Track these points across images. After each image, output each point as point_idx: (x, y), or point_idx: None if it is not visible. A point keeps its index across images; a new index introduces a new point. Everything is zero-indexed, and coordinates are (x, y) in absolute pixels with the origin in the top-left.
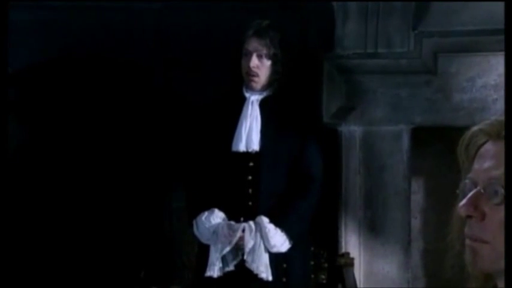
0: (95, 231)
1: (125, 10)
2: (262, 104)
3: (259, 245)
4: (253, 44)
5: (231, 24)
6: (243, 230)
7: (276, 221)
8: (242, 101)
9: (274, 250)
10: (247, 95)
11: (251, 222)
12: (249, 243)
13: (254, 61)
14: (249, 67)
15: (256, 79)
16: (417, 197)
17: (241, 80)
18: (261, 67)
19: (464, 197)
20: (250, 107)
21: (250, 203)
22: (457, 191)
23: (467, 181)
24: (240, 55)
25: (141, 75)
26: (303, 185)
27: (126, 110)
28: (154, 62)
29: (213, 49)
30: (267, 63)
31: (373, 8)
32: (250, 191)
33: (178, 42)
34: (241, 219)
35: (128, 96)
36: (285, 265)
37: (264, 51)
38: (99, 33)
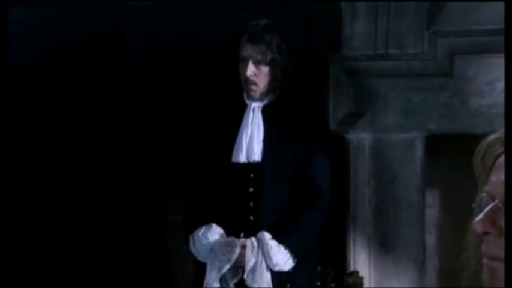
0: (84, 250)
1: (113, 8)
2: (265, 111)
3: (261, 263)
4: (249, 50)
5: (229, 23)
6: (243, 246)
7: (278, 237)
8: (243, 108)
9: (277, 269)
10: (248, 101)
11: (253, 239)
12: (250, 261)
13: (251, 69)
14: (245, 75)
15: (254, 87)
16: (432, 211)
17: (241, 86)
18: (258, 74)
19: (480, 211)
20: (251, 114)
21: (251, 218)
22: (473, 205)
23: (483, 194)
24: (237, 61)
25: (132, 80)
26: (308, 198)
27: (116, 117)
28: (147, 65)
29: (211, 51)
30: (265, 69)
31: (383, 6)
32: (251, 204)
33: (172, 44)
34: (242, 234)
35: (117, 102)
36: (288, 285)
37: (260, 58)
38: (85, 33)
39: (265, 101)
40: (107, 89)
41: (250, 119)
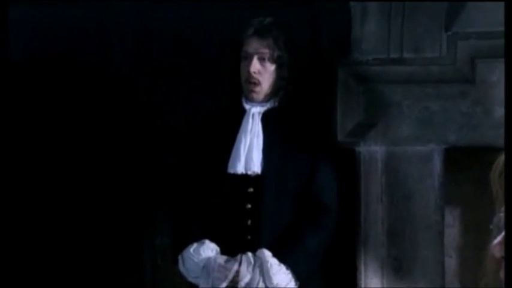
0: (68, 278)
1: (98, 7)
2: (265, 118)
3: (259, 282)
4: (254, 44)
5: (227, 23)
6: (240, 263)
7: (280, 256)
8: (241, 114)
9: None
10: (247, 106)
11: (249, 254)
12: (245, 277)
13: (255, 65)
14: (249, 72)
15: (257, 88)
16: (452, 232)
17: (240, 89)
18: (263, 72)
19: (499, 233)
20: (250, 121)
21: (249, 237)
22: (491, 227)
23: (502, 215)
24: (239, 59)
25: (119, 85)
26: (313, 215)
27: (101, 125)
28: (136, 69)
29: (207, 54)
30: (271, 67)
31: (397, 5)
32: (249, 222)
33: (164, 45)
34: (239, 255)
35: (102, 109)
36: None
37: (267, 53)
38: (67, 34)
39: (267, 107)
40: (90, 96)
41: (249, 126)
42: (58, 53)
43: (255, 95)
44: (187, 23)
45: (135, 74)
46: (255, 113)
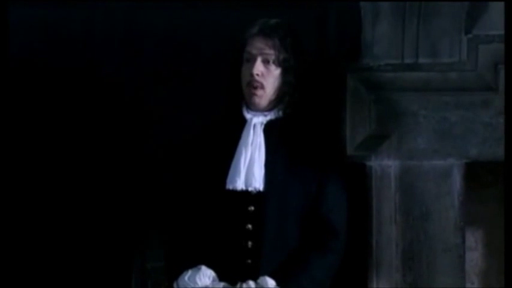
0: None
1: (84, 7)
2: (268, 129)
3: None
4: (258, 44)
5: (227, 24)
6: None
7: (283, 285)
8: (241, 125)
9: None
10: (248, 116)
11: (250, 282)
12: None
13: (258, 67)
14: (251, 75)
15: (260, 92)
16: (474, 255)
17: (240, 96)
18: (267, 75)
19: None
20: (251, 132)
21: (249, 261)
22: None
23: None
24: (240, 62)
25: (106, 93)
26: (320, 238)
27: (85, 136)
28: (124, 73)
29: (204, 57)
30: (275, 71)
31: (412, 5)
32: (249, 244)
33: (155, 47)
34: (238, 283)
35: (88, 118)
36: None
37: (272, 55)
38: (50, 36)
39: (269, 117)
40: (73, 106)
41: (250, 137)
42: (37, 58)
43: (257, 99)
44: (183, 24)
45: (124, 81)
46: (256, 124)
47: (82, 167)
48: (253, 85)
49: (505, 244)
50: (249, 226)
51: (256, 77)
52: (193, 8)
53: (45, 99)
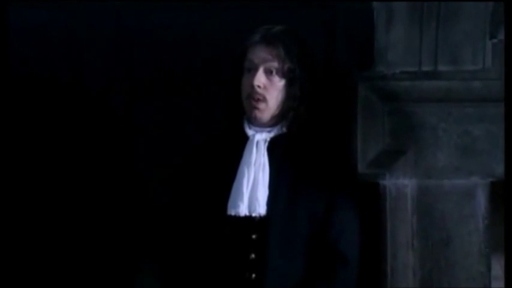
0: None
1: (68, 9)
2: (272, 146)
3: None
4: (260, 53)
5: (226, 26)
6: None
7: None
8: (242, 142)
9: None
10: (250, 132)
11: None
12: None
13: (260, 78)
14: (252, 86)
15: (261, 105)
16: (500, 285)
17: (241, 110)
18: (269, 87)
19: None
20: (254, 150)
21: None
22: None
23: None
24: (241, 72)
25: (92, 104)
26: (328, 267)
27: (69, 153)
28: (113, 82)
29: (200, 62)
30: (279, 83)
31: (431, 6)
32: (253, 276)
33: (147, 54)
34: None
35: (71, 134)
36: None
37: (275, 65)
38: (31, 40)
39: (273, 133)
40: (58, 113)
41: (253, 157)
42: (17, 62)
43: (258, 114)
44: (177, 27)
45: (111, 91)
46: (259, 141)
47: (64, 186)
48: (254, 97)
49: (505, 244)
50: (252, 256)
51: (258, 89)
52: (190, 9)
53: (25, 108)
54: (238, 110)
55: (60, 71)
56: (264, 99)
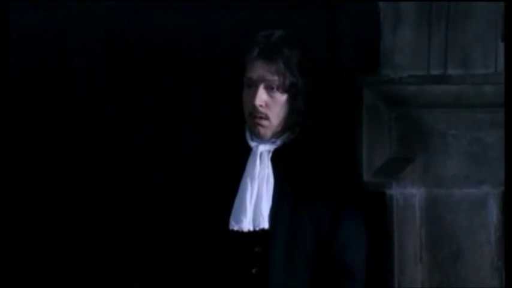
0: None
1: (57, 9)
2: (276, 157)
3: None
4: (259, 70)
5: (226, 27)
6: None
7: None
8: (245, 152)
9: None
10: (253, 144)
11: None
12: None
13: (261, 96)
14: (253, 106)
15: (265, 123)
16: None
17: (243, 121)
18: (271, 104)
19: None
20: (258, 162)
21: None
22: None
23: None
24: (240, 85)
25: (83, 110)
26: (333, 280)
27: (58, 163)
28: (105, 87)
29: (198, 65)
30: (281, 97)
31: (440, 9)
32: None
33: (140, 60)
34: None
35: (61, 140)
36: None
37: (276, 81)
38: (18, 41)
39: (278, 144)
40: (47, 120)
41: (257, 169)
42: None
43: (262, 130)
44: (171, 30)
45: (103, 97)
46: (263, 152)
47: (55, 193)
48: (257, 116)
49: (505, 244)
50: (254, 270)
51: (260, 108)
52: (187, 8)
53: (14, 110)
54: (239, 121)
55: (50, 72)
56: (267, 117)
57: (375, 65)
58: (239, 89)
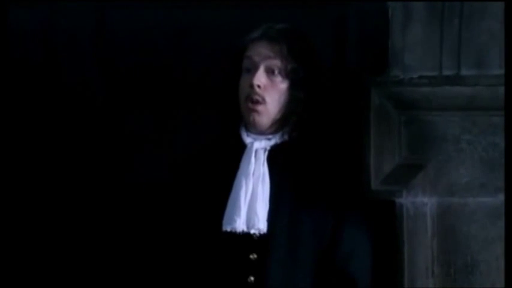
0: None
1: (45, 7)
2: (272, 156)
3: None
4: (261, 50)
5: (227, 25)
6: None
7: None
8: (239, 151)
9: None
10: (248, 140)
11: None
12: None
13: (260, 77)
14: (251, 86)
15: (260, 107)
16: None
17: (238, 115)
18: (270, 88)
19: None
20: (253, 159)
21: None
22: None
23: None
24: (239, 72)
25: (74, 117)
26: None
27: (46, 154)
28: (95, 85)
29: (191, 68)
30: (281, 84)
31: (453, 6)
32: None
33: (132, 55)
34: None
35: (50, 148)
36: None
37: (278, 64)
38: (13, 40)
39: (274, 141)
40: (34, 122)
41: (252, 167)
42: None
43: (257, 117)
44: (167, 30)
45: (93, 95)
46: (258, 149)
47: (48, 198)
48: (253, 99)
49: (506, 244)
50: (251, 278)
51: (257, 89)
52: (186, 5)
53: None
54: (235, 116)
55: (38, 69)
56: (264, 101)
57: (384, 65)
58: (235, 84)
